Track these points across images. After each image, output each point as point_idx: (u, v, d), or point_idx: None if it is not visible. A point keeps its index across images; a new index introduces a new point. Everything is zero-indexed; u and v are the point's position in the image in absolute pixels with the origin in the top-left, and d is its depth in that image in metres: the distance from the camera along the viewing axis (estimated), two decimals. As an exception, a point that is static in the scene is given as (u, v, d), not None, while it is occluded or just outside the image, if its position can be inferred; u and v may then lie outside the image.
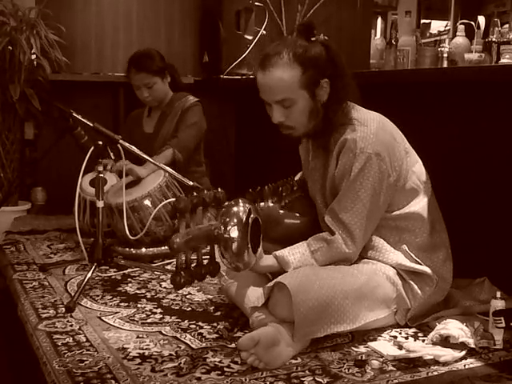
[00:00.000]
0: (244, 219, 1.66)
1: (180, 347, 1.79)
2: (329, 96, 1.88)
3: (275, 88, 1.85)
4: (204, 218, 1.74)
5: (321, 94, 1.87)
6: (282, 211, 1.99)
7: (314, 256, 1.86)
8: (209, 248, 1.76)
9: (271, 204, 1.99)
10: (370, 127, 1.86)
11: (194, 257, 1.70)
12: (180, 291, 2.29)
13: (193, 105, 3.11)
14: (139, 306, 2.15)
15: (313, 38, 1.88)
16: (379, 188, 1.85)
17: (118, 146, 2.41)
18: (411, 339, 1.86)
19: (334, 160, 1.90)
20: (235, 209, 1.68)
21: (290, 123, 1.90)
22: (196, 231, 1.65)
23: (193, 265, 1.70)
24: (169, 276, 2.47)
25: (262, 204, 1.97)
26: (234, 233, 1.64)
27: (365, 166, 1.82)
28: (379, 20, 5.54)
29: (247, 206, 1.70)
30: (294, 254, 1.86)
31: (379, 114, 1.95)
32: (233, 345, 1.79)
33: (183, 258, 1.66)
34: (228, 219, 1.66)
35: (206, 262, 1.76)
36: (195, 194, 1.70)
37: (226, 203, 1.73)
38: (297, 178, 2.22)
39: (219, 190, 1.79)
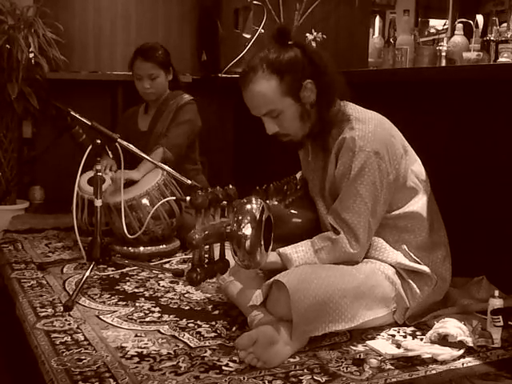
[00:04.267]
0: (258, 217, 1.65)
1: (178, 346, 1.79)
2: (317, 95, 1.88)
3: (258, 103, 1.86)
4: (216, 215, 1.74)
5: (307, 96, 1.86)
6: (292, 211, 1.99)
7: (317, 255, 1.85)
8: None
9: (275, 202, 1.98)
10: (368, 125, 1.86)
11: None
12: (178, 290, 2.30)
13: (186, 103, 3.08)
14: (137, 304, 2.15)
15: (290, 42, 1.87)
16: (380, 186, 1.84)
17: (116, 144, 2.41)
18: (409, 338, 1.86)
19: (334, 159, 1.90)
20: (249, 206, 1.67)
21: (285, 131, 1.90)
22: (211, 227, 1.65)
23: (205, 262, 1.71)
24: (167, 275, 2.48)
25: (266, 202, 1.97)
26: (248, 230, 1.63)
27: (364, 165, 1.82)
28: (377, 19, 5.52)
29: (260, 203, 1.69)
30: (298, 251, 1.86)
31: (376, 113, 1.94)
32: (231, 343, 1.79)
33: (198, 255, 1.66)
34: (241, 217, 1.65)
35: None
36: (209, 190, 1.70)
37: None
38: (297, 176, 2.22)
39: (230, 186, 1.78)
